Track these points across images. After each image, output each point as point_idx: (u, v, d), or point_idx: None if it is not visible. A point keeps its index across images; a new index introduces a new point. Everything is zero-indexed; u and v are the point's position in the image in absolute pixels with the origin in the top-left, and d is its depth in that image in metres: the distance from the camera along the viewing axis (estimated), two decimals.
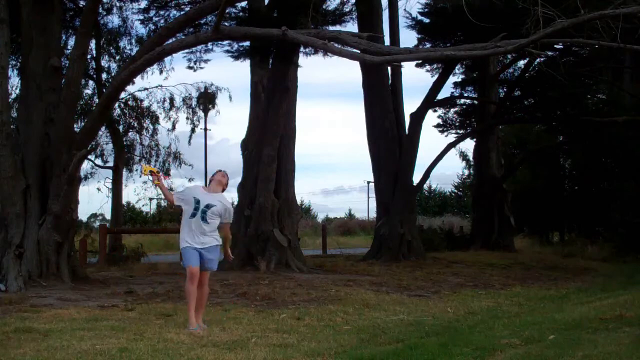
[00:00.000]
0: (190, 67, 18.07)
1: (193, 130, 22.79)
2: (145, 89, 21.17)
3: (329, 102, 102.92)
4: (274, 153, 14.02)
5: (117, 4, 18.05)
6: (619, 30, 7.78)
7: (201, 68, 17.88)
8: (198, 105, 22.75)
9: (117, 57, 19.77)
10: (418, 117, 17.18)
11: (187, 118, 22.22)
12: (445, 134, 23.97)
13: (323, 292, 9.70)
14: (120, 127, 21.11)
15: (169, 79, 45.87)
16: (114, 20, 19.32)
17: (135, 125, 21.48)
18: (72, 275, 10.59)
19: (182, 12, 15.31)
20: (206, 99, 22.93)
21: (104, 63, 19.75)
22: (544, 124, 22.25)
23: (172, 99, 21.51)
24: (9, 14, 10.53)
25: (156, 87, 21.37)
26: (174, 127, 21.83)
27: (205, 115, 26.19)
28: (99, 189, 21.99)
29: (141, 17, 17.19)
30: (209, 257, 6.40)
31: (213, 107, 23.71)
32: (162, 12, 16.39)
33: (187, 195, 6.50)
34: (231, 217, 6.65)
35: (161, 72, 20.51)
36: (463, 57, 12.74)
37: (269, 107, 14.24)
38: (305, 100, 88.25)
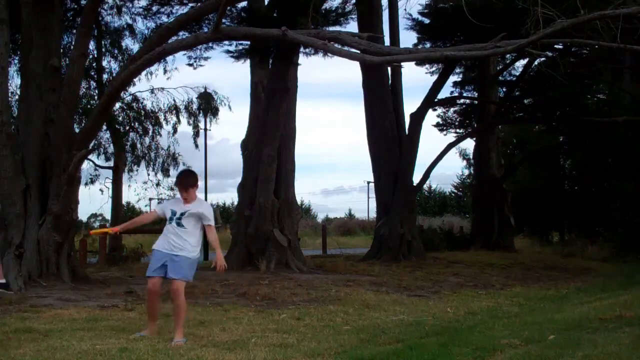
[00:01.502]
0: (189, 65, 18.03)
1: (197, 134, 23.02)
2: (150, 90, 21.22)
3: (329, 102, 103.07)
4: (274, 153, 14.02)
5: (119, 4, 18.04)
6: (619, 30, 7.77)
7: (201, 66, 17.83)
8: (199, 112, 22.81)
9: (120, 57, 19.77)
10: (418, 117, 17.18)
11: (189, 123, 22.36)
12: (445, 133, 24.00)
13: (323, 292, 9.70)
14: (121, 128, 21.08)
15: (171, 80, 45.73)
16: (116, 20, 19.41)
17: (137, 126, 21.46)
18: (72, 275, 10.57)
19: (184, 7, 15.31)
20: (206, 99, 22.92)
21: (105, 63, 19.75)
22: (544, 124, 22.25)
23: (176, 107, 21.52)
24: (9, 14, 10.51)
25: (158, 89, 21.36)
26: (175, 131, 21.87)
27: (205, 116, 26.22)
28: (101, 190, 22.02)
29: (143, 16, 17.24)
30: (176, 262, 5.86)
31: (215, 115, 23.84)
32: (163, 10, 16.37)
33: (165, 207, 6.22)
34: (212, 220, 6.08)
35: (165, 71, 20.49)
36: (463, 57, 12.73)
37: (269, 107, 14.24)
38: (305, 100, 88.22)
